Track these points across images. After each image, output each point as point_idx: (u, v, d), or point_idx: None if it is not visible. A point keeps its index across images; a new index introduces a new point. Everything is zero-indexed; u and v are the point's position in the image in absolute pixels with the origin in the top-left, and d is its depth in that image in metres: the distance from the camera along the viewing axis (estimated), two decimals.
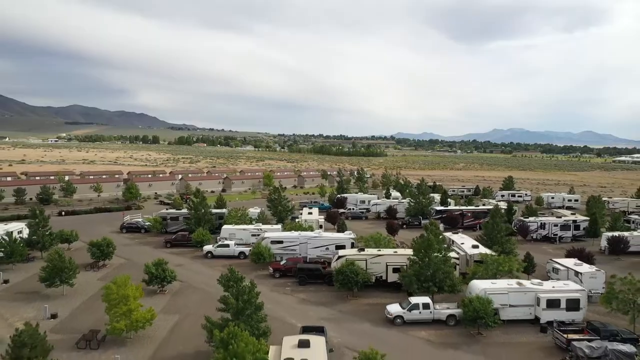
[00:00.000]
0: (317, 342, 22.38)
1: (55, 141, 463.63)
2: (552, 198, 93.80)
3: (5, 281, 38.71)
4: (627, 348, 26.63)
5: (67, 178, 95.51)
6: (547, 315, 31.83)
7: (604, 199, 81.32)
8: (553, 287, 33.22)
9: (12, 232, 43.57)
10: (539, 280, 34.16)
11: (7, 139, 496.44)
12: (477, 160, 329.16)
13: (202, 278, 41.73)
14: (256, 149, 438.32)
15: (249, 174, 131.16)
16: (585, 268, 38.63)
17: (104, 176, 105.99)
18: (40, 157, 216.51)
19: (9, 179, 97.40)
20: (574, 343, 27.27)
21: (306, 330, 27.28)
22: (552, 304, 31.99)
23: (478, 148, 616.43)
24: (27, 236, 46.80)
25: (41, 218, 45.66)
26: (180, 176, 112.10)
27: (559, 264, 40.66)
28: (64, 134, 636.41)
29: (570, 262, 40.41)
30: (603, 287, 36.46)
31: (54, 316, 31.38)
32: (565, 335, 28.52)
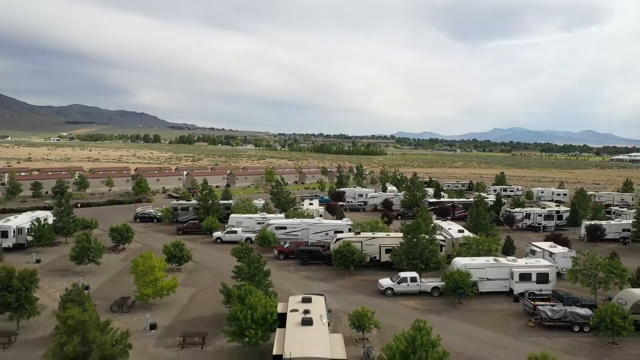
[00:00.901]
0: (318, 299, 26.75)
1: (57, 140, 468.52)
2: (542, 192, 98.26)
3: (38, 261, 43.12)
4: (584, 311, 30.96)
5: (77, 174, 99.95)
6: (519, 287, 36.20)
7: (589, 193, 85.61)
8: (525, 263, 37.65)
9: (39, 218, 47.87)
10: (513, 257, 38.60)
11: (10, 137, 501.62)
12: (476, 159, 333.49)
13: (214, 259, 46.16)
14: (257, 147, 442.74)
15: (252, 170, 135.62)
16: (558, 249, 43.00)
17: (112, 172, 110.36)
18: (45, 155, 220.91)
19: (22, 173, 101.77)
20: (539, 307, 31.65)
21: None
22: (524, 277, 36.41)
23: (477, 147, 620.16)
24: (51, 223, 51.10)
25: (67, 206, 50.06)
26: (186, 172, 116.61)
27: (536, 246, 45.06)
28: (65, 133, 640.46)
29: (547, 245, 44.83)
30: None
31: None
32: (532, 302, 32.89)
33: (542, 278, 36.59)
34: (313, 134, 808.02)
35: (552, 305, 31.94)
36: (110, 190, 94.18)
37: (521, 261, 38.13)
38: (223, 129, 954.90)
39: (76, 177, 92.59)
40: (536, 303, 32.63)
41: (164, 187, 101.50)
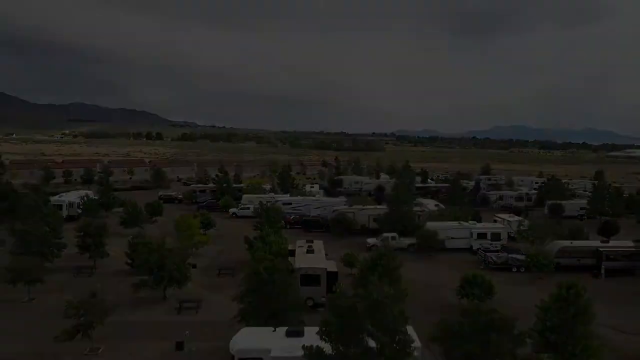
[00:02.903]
0: (318, 242, 36.48)
1: (61, 137, 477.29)
2: (522, 181, 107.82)
3: None
4: (521, 257, 40.57)
5: (99, 164, 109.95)
6: (477, 244, 45.84)
7: (564, 181, 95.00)
8: (483, 225, 47.37)
9: (88, 194, 57.71)
10: (474, 221, 48.26)
11: (14, 135, 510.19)
12: (473, 155, 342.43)
13: (232, 229, 55.84)
14: (258, 144, 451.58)
15: (257, 162, 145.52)
16: (514, 218, 52.72)
17: (130, 163, 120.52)
18: (56, 151, 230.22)
19: (48, 164, 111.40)
20: (488, 254, 41.34)
21: None
22: (481, 236, 46.17)
23: (477, 144, 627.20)
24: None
25: (107, 185, 59.86)
26: (196, 163, 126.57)
27: (498, 217, 54.82)
28: (67, 131, 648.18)
29: (507, 216, 54.62)
30: None
31: None
32: (484, 252, 42.54)
33: (496, 237, 46.34)
34: (313, 132, 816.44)
35: (497, 253, 41.62)
36: (131, 178, 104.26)
37: (480, 224, 47.93)
38: (224, 127, 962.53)
39: (99, 167, 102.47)
40: (487, 253, 42.30)
41: (178, 176, 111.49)
